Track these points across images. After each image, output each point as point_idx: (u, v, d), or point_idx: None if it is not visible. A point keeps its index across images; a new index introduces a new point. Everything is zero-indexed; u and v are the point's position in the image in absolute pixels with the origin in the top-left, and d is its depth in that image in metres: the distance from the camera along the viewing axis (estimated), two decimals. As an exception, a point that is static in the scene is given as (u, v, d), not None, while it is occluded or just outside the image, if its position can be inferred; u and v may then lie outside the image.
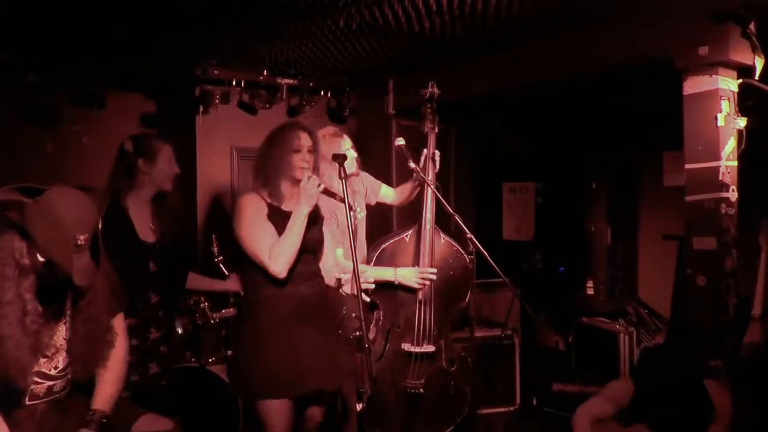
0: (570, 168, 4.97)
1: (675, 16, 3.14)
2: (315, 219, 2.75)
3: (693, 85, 3.17)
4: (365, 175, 3.42)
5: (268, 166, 2.64)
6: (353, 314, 2.48)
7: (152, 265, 2.95)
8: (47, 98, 3.85)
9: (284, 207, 2.66)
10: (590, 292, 4.73)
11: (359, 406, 2.27)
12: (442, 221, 3.20)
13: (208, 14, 3.15)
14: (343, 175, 2.62)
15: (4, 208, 2.02)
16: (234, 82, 4.29)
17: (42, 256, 2.03)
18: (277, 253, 2.53)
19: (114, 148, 4.10)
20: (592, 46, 3.50)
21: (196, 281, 3.35)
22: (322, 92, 4.70)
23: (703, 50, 3.04)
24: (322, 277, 2.75)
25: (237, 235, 2.63)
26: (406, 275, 3.07)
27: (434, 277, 3.08)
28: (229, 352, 3.37)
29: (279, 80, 4.42)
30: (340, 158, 2.68)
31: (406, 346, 3.11)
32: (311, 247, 2.71)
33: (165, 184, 3.01)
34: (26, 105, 3.80)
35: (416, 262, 3.12)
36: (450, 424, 3.20)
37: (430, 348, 3.11)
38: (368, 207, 3.40)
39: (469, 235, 2.81)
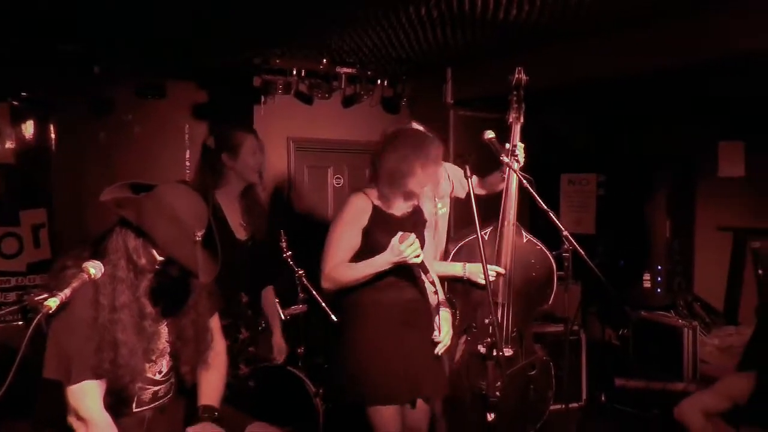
0: (632, 160, 4.87)
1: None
2: (419, 223, 2.68)
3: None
4: (451, 168, 3.23)
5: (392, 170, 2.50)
6: (485, 320, 2.37)
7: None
8: (110, 89, 3.75)
9: (391, 211, 2.58)
10: (647, 285, 4.63)
11: (491, 416, 2.13)
12: (526, 217, 3.07)
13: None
14: None
15: (117, 205, 1.91)
16: (294, 72, 4.17)
17: (161, 255, 1.94)
18: (336, 273, 2.48)
19: (170, 136, 4.01)
20: (686, 38, 3.36)
21: None
22: (378, 81, 4.57)
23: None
24: (423, 282, 2.62)
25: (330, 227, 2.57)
26: (476, 271, 2.89)
27: (494, 277, 2.90)
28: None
29: (338, 69, 4.30)
30: None
31: (482, 349, 2.89)
32: None
33: (251, 176, 2.91)
34: (91, 97, 3.71)
35: (495, 261, 2.94)
36: (530, 429, 3.09)
37: (508, 352, 2.93)
38: (459, 201, 3.24)
39: (565, 233, 2.68)
